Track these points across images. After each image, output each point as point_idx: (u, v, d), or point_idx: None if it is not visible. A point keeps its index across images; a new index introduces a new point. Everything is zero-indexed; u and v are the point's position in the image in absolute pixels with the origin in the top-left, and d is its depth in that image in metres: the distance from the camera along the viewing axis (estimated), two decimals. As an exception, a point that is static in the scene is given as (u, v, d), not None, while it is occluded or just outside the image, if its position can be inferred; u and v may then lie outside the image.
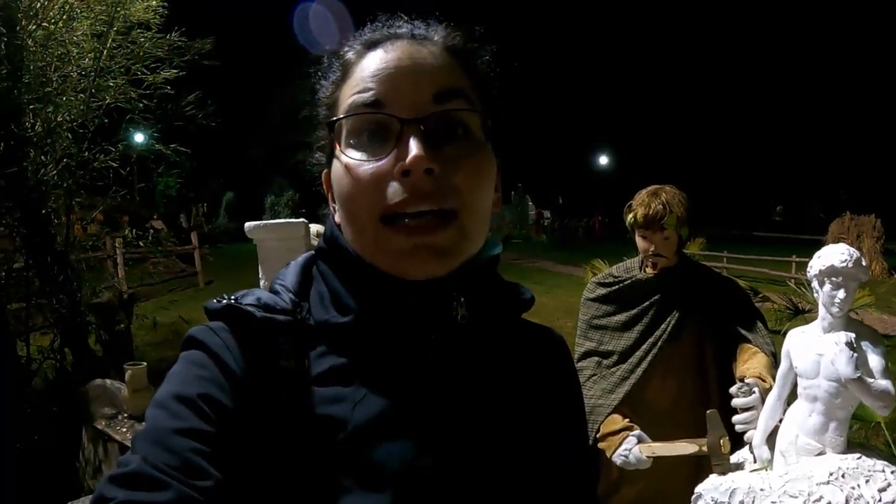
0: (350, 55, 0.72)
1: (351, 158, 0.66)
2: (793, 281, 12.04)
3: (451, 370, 0.69)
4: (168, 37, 5.81)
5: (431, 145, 0.63)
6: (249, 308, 0.68)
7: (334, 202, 0.73)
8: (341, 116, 0.68)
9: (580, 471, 0.81)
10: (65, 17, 5.21)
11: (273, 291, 0.74)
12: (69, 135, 5.45)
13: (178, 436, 0.58)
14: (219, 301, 0.70)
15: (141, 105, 5.87)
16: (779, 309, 7.55)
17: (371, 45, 0.71)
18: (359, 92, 0.67)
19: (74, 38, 5.32)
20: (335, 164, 0.69)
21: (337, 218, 0.72)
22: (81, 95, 5.51)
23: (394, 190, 0.63)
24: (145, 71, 5.79)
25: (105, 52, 5.47)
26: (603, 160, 44.67)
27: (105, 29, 5.42)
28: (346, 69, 0.72)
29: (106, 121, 5.77)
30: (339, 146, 0.68)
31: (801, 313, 7.30)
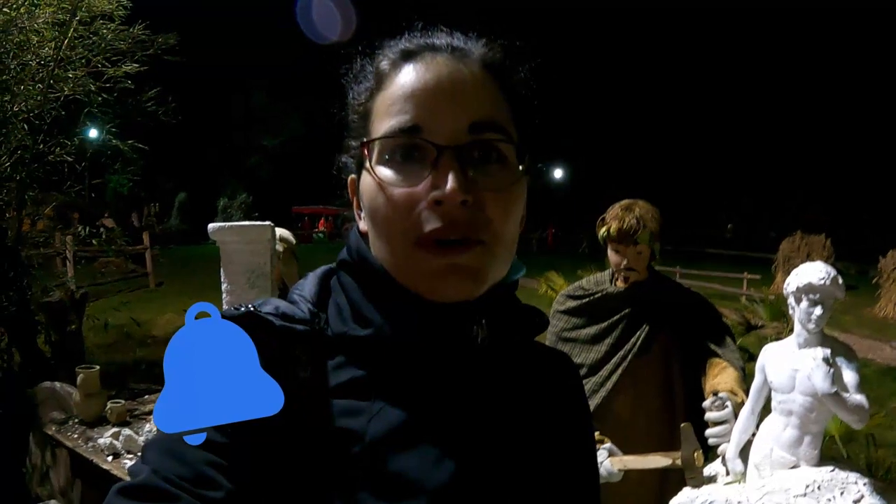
0: (384, 65, 0.71)
1: (385, 178, 0.66)
2: (744, 297, 12.35)
3: (468, 389, 0.69)
4: (131, 29, 5.66)
5: (466, 173, 0.64)
6: (269, 317, 0.67)
7: (360, 209, 0.73)
8: (378, 137, 0.67)
9: (589, 489, 0.82)
10: (27, 3, 5.03)
11: (290, 301, 0.73)
12: (25, 126, 5.25)
13: (189, 446, 0.57)
14: (237, 308, 0.69)
15: (100, 98, 5.69)
16: (731, 324, 7.74)
17: (407, 56, 0.70)
18: (395, 114, 0.66)
19: (35, 25, 5.12)
20: (366, 177, 0.68)
21: (363, 226, 0.73)
22: (39, 85, 5.31)
23: (427, 217, 0.63)
24: (106, 63, 5.61)
25: (66, 41, 5.28)
26: (557, 173, 45.29)
27: (67, 18, 5.24)
28: (381, 79, 0.71)
29: (63, 113, 5.59)
30: (372, 162, 0.67)
31: (754, 329, 7.50)
